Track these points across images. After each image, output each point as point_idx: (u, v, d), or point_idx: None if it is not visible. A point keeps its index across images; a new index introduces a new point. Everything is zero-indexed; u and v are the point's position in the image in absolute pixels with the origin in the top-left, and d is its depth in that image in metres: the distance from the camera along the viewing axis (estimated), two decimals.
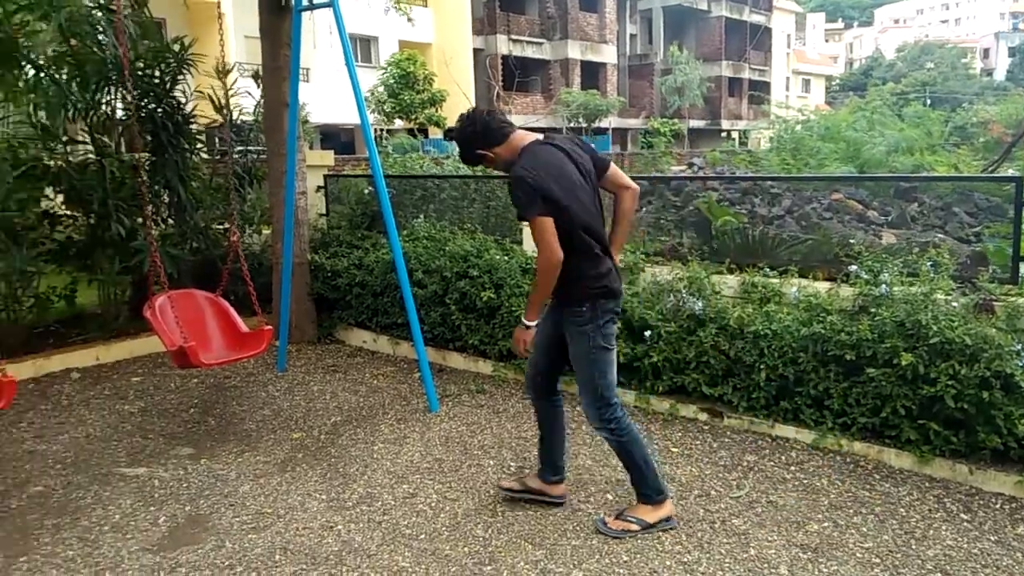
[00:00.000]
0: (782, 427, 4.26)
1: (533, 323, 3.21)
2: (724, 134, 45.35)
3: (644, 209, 7.66)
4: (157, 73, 6.41)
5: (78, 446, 4.43)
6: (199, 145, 7.02)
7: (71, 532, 3.45)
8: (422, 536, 3.35)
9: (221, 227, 6.87)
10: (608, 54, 39.10)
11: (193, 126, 6.75)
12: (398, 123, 28.00)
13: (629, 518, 3.34)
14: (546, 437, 3.55)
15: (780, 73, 54.39)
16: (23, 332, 5.86)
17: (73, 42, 6.03)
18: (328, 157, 7.79)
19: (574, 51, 36.69)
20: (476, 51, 32.90)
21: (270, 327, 4.69)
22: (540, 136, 3.24)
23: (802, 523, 3.39)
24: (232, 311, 4.85)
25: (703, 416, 4.54)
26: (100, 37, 6.17)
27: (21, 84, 6.01)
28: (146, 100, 6.35)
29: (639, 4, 43.86)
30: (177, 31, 7.92)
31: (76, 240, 6.31)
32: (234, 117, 6.98)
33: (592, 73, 37.93)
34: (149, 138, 6.33)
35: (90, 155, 6.35)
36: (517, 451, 4.21)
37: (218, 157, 7.42)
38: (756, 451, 4.12)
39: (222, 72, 6.75)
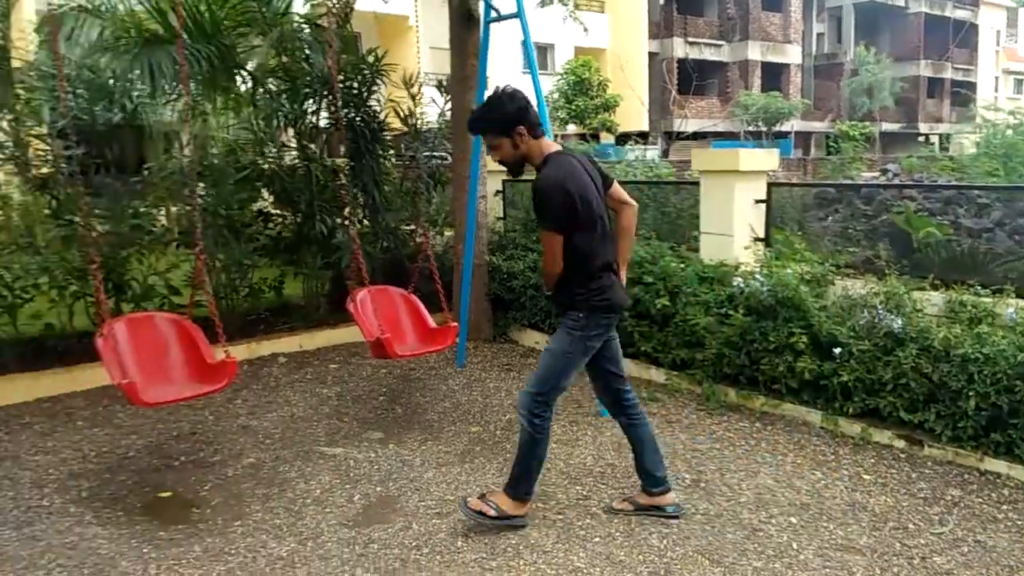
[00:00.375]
0: (992, 461, 3.87)
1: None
2: (922, 138, 41.74)
3: (830, 218, 7.24)
4: (355, 84, 6.89)
5: (284, 424, 4.89)
6: (391, 151, 7.48)
7: (278, 502, 3.80)
8: (596, 539, 3.38)
9: (408, 228, 7.28)
10: (792, 54, 37.31)
11: (386, 134, 7.21)
12: (571, 128, 28.28)
13: (490, 502, 3.44)
14: (636, 450, 3.59)
15: (988, 73, 49.20)
16: (238, 319, 6.52)
17: (284, 58, 6.64)
18: None
19: (754, 52, 35.36)
20: (651, 55, 32.55)
21: (456, 324, 4.93)
22: (560, 147, 3.35)
23: (1016, 568, 3.07)
24: (422, 307, 5.14)
25: (900, 443, 4.22)
26: (307, 52, 6.75)
27: (241, 95, 6.70)
28: (346, 109, 6.85)
29: (828, 2, 41.47)
30: (369, 44, 8.49)
31: (285, 237, 6.95)
32: (419, 125, 7.38)
33: (774, 74, 36.36)
34: (348, 145, 6.83)
35: (297, 160, 6.96)
36: (691, 463, 4.13)
37: (407, 162, 7.88)
38: (961, 485, 3.78)
39: (411, 83, 7.15)
